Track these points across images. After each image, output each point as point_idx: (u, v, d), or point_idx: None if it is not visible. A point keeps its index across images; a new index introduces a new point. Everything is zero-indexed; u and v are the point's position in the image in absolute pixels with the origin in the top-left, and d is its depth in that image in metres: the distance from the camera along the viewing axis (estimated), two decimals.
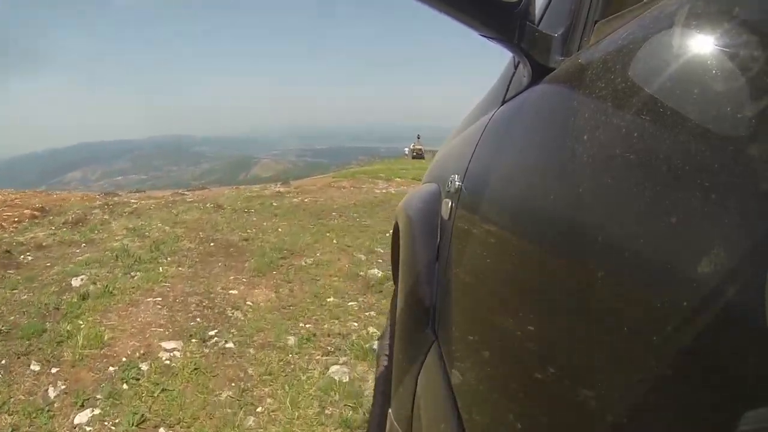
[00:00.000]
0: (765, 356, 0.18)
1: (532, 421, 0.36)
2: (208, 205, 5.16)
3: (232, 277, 3.04)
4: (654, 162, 0.26)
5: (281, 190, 6.62)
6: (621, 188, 0.29)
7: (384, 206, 5.38)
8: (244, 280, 3.02)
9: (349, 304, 2.70)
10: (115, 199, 5.59)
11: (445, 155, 1.08)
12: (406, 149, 23.66)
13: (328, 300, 2.74)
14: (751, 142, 0.21)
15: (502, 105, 0.70)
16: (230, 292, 2.81)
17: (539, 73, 0.53)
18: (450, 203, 0.74)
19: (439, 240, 0.79)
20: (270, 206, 5.22)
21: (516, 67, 0.68)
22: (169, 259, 3.32)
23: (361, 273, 3.17)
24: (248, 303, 2.67)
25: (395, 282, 1.40)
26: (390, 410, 0.84)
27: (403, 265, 0.96)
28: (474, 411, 0.48)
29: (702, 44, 0.26)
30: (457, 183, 0.72)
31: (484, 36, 0.51)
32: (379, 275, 3.10)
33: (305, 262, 3.35)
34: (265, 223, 4.43)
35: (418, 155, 21.25)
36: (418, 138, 22.98)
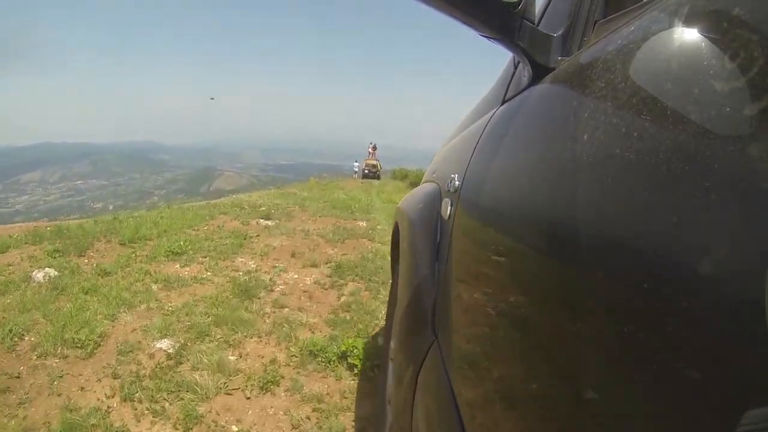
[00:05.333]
0: (765, 356, 0.18)
1: (532, 421, 0.36)
2: None
3: None
4: (654, 162, 0.26)
5: None
6: (621, 188, 0.28)
7: None
8: None
9: None
10: None
11: (445, 155, 1.08)
12: (356, 165, 16.60)
13: None
14: (751, 141, 0.21)
15: (502, 105, 0.70)
16: None
17: (539, 72, 0.53)
18: (450, 203, 0.74)
19: (439, 240, 0.79)
20: None
21: (516, 66, 0.68)
22: None
23: None
24: None
25: (395, 282, 1.40)
26: (390, 410, 0.83)
27: (402, 265, 0.96)
28: (474, 411, 0.48)
29: (702, 44, 0.26)
30: (456, 183, 0.72)
31: (484, 36, 0.51)
32: None
33: None
34: None
35: (371, 173, 14.16)
36: (374, 149, 15.17)
